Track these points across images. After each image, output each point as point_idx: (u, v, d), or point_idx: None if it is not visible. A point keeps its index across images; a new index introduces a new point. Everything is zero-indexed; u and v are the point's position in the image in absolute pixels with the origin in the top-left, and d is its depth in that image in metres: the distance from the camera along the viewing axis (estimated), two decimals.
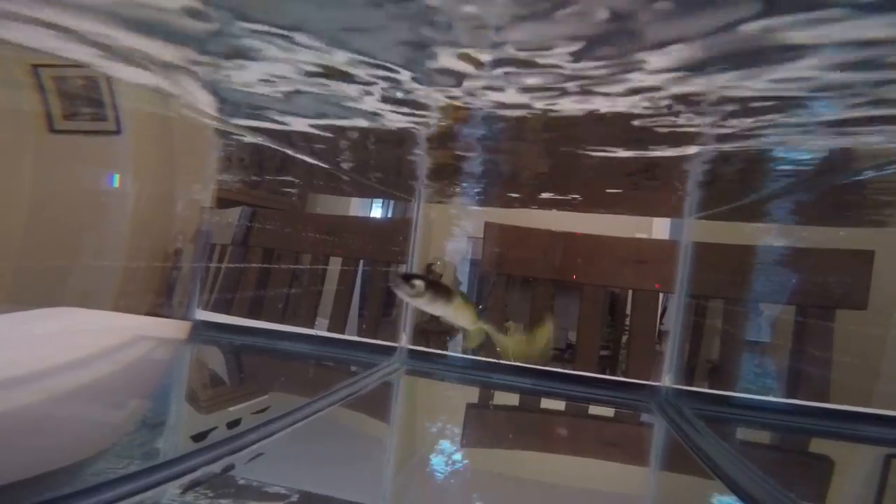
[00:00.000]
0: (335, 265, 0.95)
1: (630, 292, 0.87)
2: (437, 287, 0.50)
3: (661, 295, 0.83)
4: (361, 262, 0.96)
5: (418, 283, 0.48)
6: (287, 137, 0.52)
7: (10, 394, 0.39)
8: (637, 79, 0.26)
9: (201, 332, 0.74)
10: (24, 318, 0.42)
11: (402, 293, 0.48)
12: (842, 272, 0.69)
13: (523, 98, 0.31)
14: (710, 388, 0.78)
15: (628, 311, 0.90)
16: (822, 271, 0.71)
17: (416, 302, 0.49)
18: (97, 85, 0.43)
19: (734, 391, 0.74)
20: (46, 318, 0.45)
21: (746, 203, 0.60)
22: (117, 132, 0.48)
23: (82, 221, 0.49)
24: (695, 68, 0.24)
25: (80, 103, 0.43)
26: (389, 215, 1.11)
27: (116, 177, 0.52)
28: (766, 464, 0.51)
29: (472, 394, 0.76)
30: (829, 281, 0.70)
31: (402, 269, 0.88)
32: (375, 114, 0.37)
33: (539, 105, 0.32)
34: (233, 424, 0.47)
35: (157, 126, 0.57)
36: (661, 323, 0.85)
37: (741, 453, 0.49)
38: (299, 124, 0.44)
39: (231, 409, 0.54)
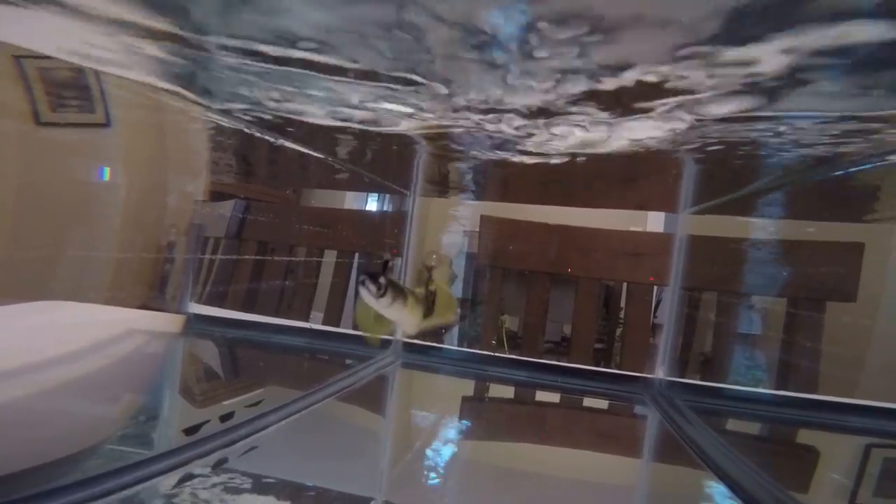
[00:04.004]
0: (330, 258, 0.95)
1: (625, 285, 0.87)
2: (395, 287, 0.45)
3: (654, 288, 0.83)
4: (356, 254, 0.95)
5: (381, 281, 0.43)
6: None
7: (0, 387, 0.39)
8: None
9: (195, 325, 0.74)
10: (13, 312, 0.42)
11: (368, 294, 0.43)
12: (832, 264, 0.69)
13: None
14: (703, 380, 0.79)
15: (623, 304, 0.91)
16: (812, 263, 0.71)
17: (377, 304, 0.44)
18: (84, 77, 0.42)
19: (726, 383, 0.75)
20: (36, 311, 0.44)
21: (740, 196, 0.60)
22: (106, 125, 0.47)
23: (72, 214, 0.48)
24: None
25: (68, 95, 0.43)
26: (385, 208, 1.10)
27: (106, 169, 0.52)
28: (756, 454, 0.52)
29: (468, 387, 0.76)
30: (820, 273, 0.70)
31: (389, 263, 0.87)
32: None
33: None
34: (226, 418, 0.47)
35: (148, 118, 0.56)
36: (654, 316, 0.86)
37: (732, 444, 0.50)
38: None
39: (225, 402, 0.54)
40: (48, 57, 0.35)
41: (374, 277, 0.44)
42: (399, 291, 0.46)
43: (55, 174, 0.46)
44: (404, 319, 0.48)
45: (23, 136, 0.41)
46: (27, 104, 0.40)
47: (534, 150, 0.46)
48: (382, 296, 0.44)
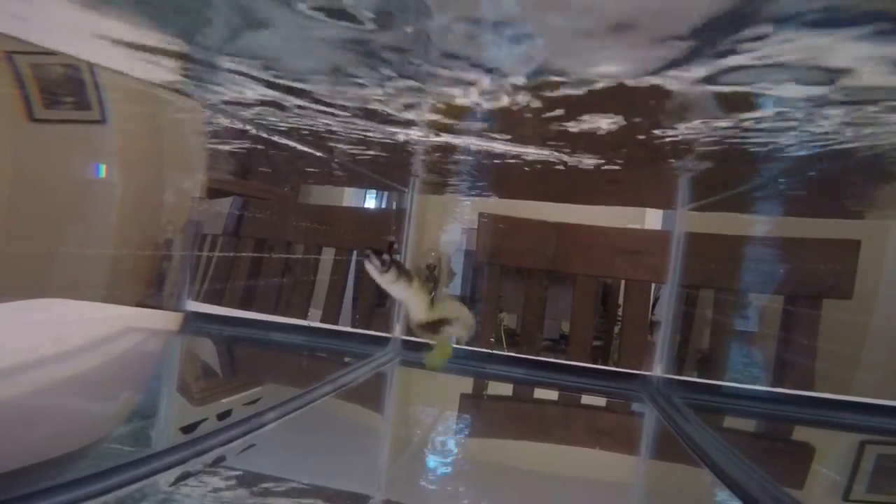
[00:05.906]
0: (328, 255, 0.94)
1: (623, 282, 0.87)
2: (400, 267, 0.49)
3: (652, 285, 0.83)
4: (355, 252, 0.95)
5: (385, 258, 0.47)
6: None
7: None
8: None
9: (192, 323, 0.74)
10: (9, 309, 0.41)
11: (372, 267, 0.47)
12: (829, 262, 0.70)
13: None
14: (700, 377, 0.79)
15: (621, 302, 0.91)
16: (809, 261, 0.71)
17: (381, 279, 0.48)
18: (79, 73, 0.42)
19: (723, 380, 0.75)
20: (32, 308, 0.44)
21: (738, 193, 0.60)
22: (102, 121, 0.47)
23: (67, 211, 0.48)
24: None
25: (62, 92, 0.42)
26: (383, 205, 1.10)
27: (102, 166, 0.51)
28: (752, 452, 0.52)
29: (466, 384, 0.76)
30: (817, 270, 0.70)
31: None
32: None
33: None
34: (224, 416, 0.47)
35: (145, 115, 0.55)
36: (652, 313, 0.86)
37: (729, 441, 0.50)
38: None
39: (223, 400, 0.54)
40: (42, 52, 0.35)
41: (378, 253, 0.47)
42: (404, 271, 0.48)
43: (50, 171, 0.45)
44: (411, 299, 0.50)
45: (16, 132, 0.41)
46: (20, 100, 0.40)
47: None
48: (386, 271, 0.47)
